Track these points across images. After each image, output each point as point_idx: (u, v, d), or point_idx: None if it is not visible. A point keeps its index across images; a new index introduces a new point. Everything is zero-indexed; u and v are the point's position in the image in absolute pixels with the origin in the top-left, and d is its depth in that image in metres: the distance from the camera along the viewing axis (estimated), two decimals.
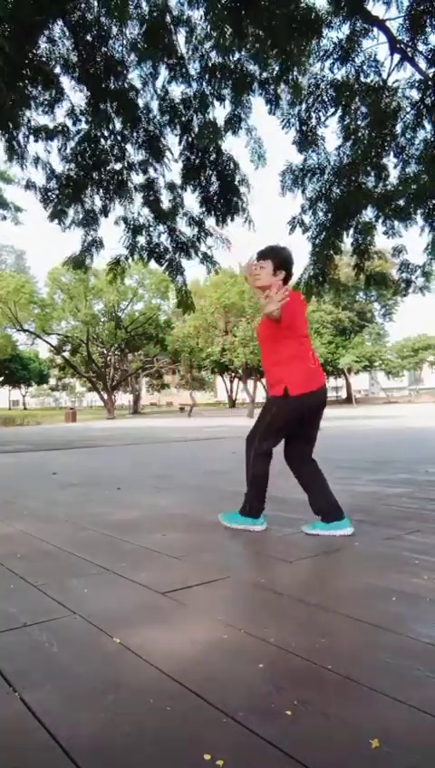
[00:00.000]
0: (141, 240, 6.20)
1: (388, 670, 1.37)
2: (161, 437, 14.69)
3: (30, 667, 1.47)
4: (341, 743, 1.07)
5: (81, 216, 6.02)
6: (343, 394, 64.38)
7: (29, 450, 11.02)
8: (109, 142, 5.93)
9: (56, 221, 5.82)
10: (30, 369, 57.31)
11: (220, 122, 5.86)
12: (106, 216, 6.10)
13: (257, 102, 5.99)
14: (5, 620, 1.78)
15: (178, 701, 1.25)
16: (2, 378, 55.70)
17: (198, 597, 1.98)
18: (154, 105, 5.91)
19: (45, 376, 62.00)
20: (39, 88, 5.42)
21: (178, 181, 6.18)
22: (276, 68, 5.42)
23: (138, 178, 6.13)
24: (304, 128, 5.83)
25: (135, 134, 5.94)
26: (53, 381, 65.75)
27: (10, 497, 4.60)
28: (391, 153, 5.94)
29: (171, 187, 6.23)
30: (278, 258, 2.89)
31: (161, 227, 6.24)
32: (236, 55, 5.41)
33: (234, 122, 5.73)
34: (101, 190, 6.00)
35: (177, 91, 5.82)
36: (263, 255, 2.92)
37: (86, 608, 1.87)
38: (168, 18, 5.23)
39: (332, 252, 6.20)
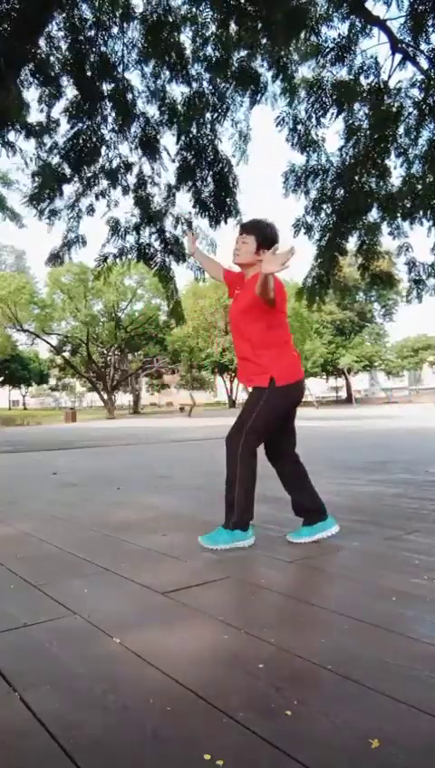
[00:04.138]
0: (130, 240, 6.18)
1: (388, 670, 1.37)
2: (161, 437, 14.69)
3: (30, 667, 1.46)
4: (341, 743, 1.07)
5: (65, 211, 6.00)
6: (343, 394, 64.36)
7: (29, 450, 11.01)
8: (103, 141, 5.92)
9: (33, 207, 5.77)
10: (30, 369, 57.20)
11: (218, 123, 5.87)
12: (92, 214, 6.07)
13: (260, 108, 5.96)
14: (5, 620, 1.78)
15: (178, 701, 1.25)
16: (2, 378, 55.64)
17: (198, 597, 1.97)
18: (152, 103, 5.92)
19: (45, 376, 61.90)
20: (38, 86, 5.43)
21: (172, 181, 6.18)
22: (274, 68, 5.43)
23: (131, 178, 6.13)
24: (298, 126, 5.82)
25: (131, 133, 5.93)
26: (53, 381, 65.61)
27: (10, 497, 4.60)
28: (393, 153, 5.93)
29: (166, 187, 6.22)
30: (262, 234, 2.59)
31: (151, 228, 6.21)
32: (238, 54, 5.41)
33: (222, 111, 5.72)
34: (88, 189, 5.98)
35: (177, 90, 5.84)
36: (246, 230, 2.63)
37: (86, 608, 1.87)
38: (170, 18, 5.24)
39: (337, 253, 6.15)
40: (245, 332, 2.64)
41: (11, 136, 5.57)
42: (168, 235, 6.20)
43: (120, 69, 5.61)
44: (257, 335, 2.60)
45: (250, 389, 2.66)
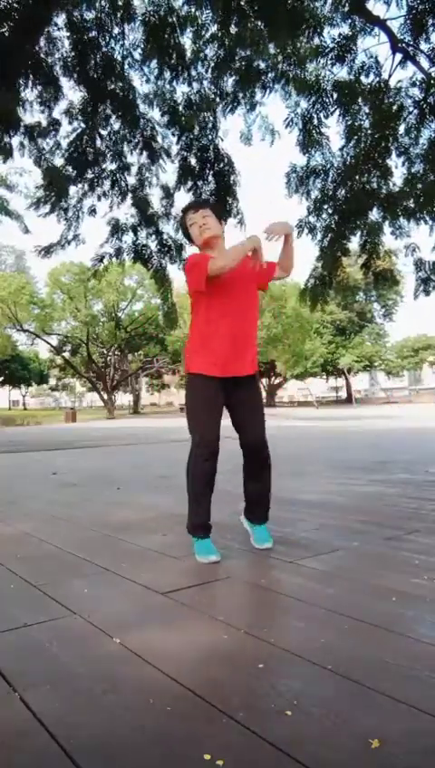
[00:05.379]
0: (128, 240, 6.18)
1: (388, 670, 1.37)
2: (161, 437, 14.68)
3: (30, 667, 1.46)
4: (341, 743, 1.07)
5: (67, 211, 6.00)
6: (343, 394, 64.33)
7: (29, 450, 11.01)
8: (104, 142, 5.92)
9: (40, 210, 5.78)
10: (30, 370, 57.17)
11: (220, 123, 5.87)
12: (93, 215, 6.07)
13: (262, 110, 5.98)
14: (5, 620, 1.78)
15: (178, 701, 1.25)
16: (2, 378, 55.62)
17: (198, 597, 1.97)
18: (153, 104, 5.91)
19: (45, 376, 61.87)
20: (38, 86, 5.42)
21: (171, 183, 6.17)
22: (280, 65, 5.43)
23: (131, 179, 6.12)
24: (307, 126, 5.82)
25: (131, 134, 5.92)
26: (53, 381, 65.58)
27: (10, 497, 4.60)
28: (394, 153, 5.93)
29: (165, 188, 6.20)
30: (215, 207, 2.65)
31: (149, 229, 6.20)
32: (242, 53, 5.42)
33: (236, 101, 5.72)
34: (89, 189, 5.97)
35: (178, 90, 5.84)
36: (201, 206, 2.59)
37: (86, 608, 1.87)
38: (170, 18, 5.24)
39: (339, 254, 6.13)
40: (254, 315, 2.59)
41: (14, 138, 5.58)
42: (164, 236, 6.20)
43: (122, 70, 5.61)
44: (255, 320, 2.63)
45: (248, 377, 2.56)
